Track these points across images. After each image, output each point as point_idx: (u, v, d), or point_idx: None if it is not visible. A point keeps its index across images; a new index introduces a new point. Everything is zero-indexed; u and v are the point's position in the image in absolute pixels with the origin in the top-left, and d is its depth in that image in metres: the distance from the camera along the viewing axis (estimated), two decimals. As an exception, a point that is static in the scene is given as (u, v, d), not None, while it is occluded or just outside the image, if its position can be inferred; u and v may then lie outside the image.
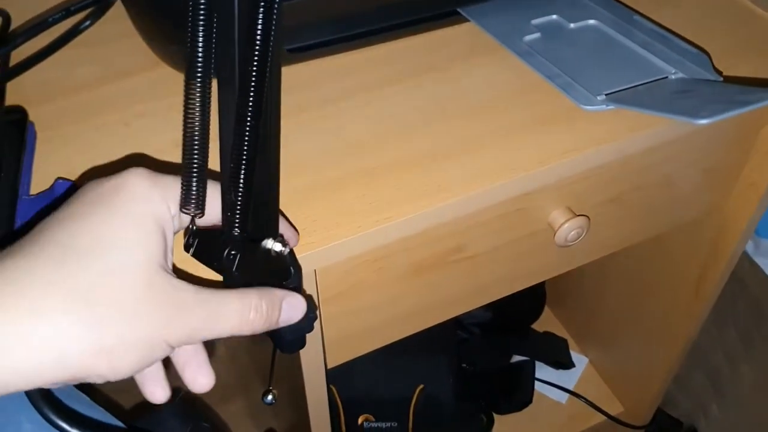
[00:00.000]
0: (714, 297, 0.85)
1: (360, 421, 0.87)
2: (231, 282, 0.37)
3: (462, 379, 0.95)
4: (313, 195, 0.50)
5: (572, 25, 0.59)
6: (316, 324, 0.54)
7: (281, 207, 0.48)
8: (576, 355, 1.19)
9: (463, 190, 0.50)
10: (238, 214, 0.34)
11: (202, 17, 0.31)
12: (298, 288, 0.43)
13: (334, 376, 0.85)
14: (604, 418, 1.09)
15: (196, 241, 0.37)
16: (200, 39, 0.31)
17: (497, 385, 1.04)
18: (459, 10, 0.60)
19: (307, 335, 0.45)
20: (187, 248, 0.37)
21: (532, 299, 1.19)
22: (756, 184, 0.70)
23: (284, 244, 0.40)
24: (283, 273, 0.42)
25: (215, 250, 0.36)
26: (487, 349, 1.05)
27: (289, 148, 0.53)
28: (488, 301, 0.66)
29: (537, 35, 0.58)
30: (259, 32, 0.30)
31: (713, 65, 0.56)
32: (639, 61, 0.55)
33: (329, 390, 0.85)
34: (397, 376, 0.86)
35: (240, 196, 0.34)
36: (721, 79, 0.52)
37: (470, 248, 0.58)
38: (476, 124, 0.55)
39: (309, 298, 0.43)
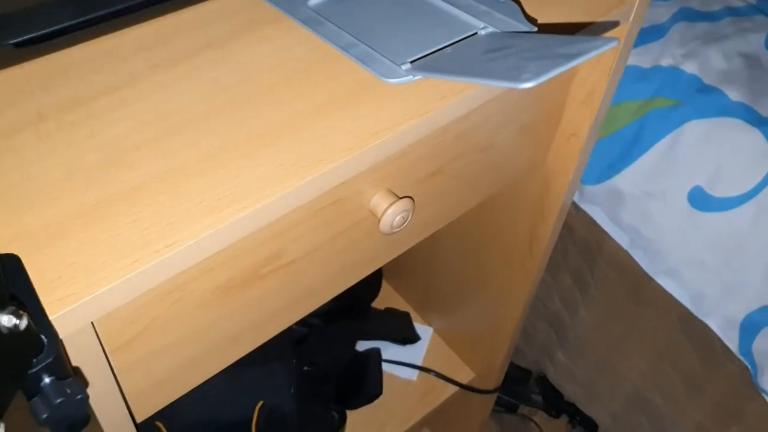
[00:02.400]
0: (548, 251, 0.83)
1: (198, 452, 0.77)
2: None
3: (306, 382, 0.87)
4: (68, 230, 0.39)
5: (363, -18, 0.51)
6: (110, 381, 0.44)
7: (22, 251, 0.37)
8: (420, 327, 1.15)
9: (262, 195, 0.41)
10: None
11: None
12: (58, 360, 0.33)
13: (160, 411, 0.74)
14: (456, 388, 1.06)
15: None
16: None
17: (344, 381, 0.97)
18: (229, -25, 0.50)
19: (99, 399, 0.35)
20: None
21: (368, 277, 1.13)
22: (576, 134, 0.68)
23: (18, 313, 0.29)
24: (31, 348, 0.31)
25: None
26: (329, 343, 0.98)
27: (27, 171, 0.41)
28: (319, 305, 0.58)
29: (324, -3, 0.50)
30: None
31: (525, 13, 0.51)
32: (442, 18, 0.48)
33: (155, 428, 0.74)
34: (233, 396, 0.77)
35: None
36: (536, 29, 0.46)
37: (287, 254, 0.50)
38: (268, 111, 0.45)
39: (74, 377, 0.33)
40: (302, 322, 1.02)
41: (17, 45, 0.44)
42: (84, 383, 0.38)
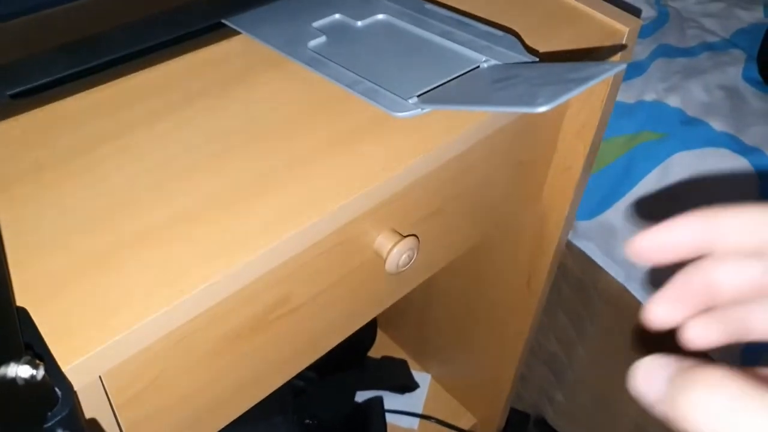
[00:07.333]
0: (546, 287, 0.83)
1: None
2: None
3: (307, 436, 0.84)
4: (73, 279, 0.37)
5: (359, 23, 0.51)
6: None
7: (29, 303, 0.36)
8: (418, 374, 1.13)
9: (268, 238, 0.40)
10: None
11: None
12: (72, 413, 0.31)
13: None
14: (459, 434, 1.04)
15: None
16: None
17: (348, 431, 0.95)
18: (224, 21, 0.50)
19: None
20: None
21: (363, 326, 1.11)
22: (571, 168, 0.68)
23: (35, 363, 0.28)
24: (45, 400, 0.30)
25: None
26: (329, 395, 0.96)
27: (28, 223, 0.40)
28: (328, 349, 0.57)
29: (323, 39, 0.49)
30: None
31: (525, 46, 0.51)
32: (443, 54, 0.48)
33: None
34: (234, 454, 0.74)
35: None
36: (538, 59, 0.46)
37: (294, 298, 0.48)
38: (270, 155, 0.45)
39: (88, 430, 0.31)
40: (299, 376, 0.99)
41: (13, 96, 0.43)
42: (101, 436, 0.37)
